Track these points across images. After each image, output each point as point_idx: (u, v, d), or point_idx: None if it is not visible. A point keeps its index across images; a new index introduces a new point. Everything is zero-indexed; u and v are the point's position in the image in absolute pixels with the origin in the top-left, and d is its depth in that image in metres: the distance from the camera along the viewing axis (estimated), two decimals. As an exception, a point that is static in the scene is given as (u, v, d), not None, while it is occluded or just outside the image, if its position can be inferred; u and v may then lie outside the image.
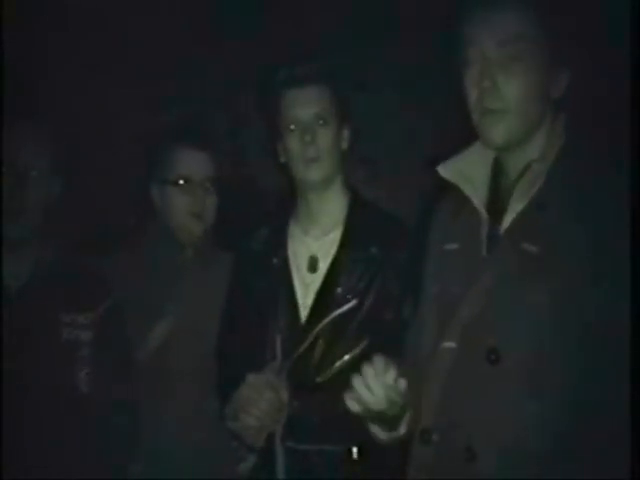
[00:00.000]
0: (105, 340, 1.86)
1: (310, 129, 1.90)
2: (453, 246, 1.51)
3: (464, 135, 1.52)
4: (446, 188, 1.56)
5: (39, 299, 1.81)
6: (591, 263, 1.29)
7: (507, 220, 1.42)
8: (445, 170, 1.51)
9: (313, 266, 1.94)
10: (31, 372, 1.75)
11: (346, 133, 1.98)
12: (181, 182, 2.09)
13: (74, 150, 2.10)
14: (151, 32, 2.88)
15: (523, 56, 1.39)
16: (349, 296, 1.88)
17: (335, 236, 1.94)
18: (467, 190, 1.49)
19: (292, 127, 1.91)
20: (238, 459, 1.95)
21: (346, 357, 1.86)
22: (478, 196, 1.48)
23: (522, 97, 1.40)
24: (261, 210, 2.50)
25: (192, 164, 2.10)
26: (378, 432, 1.48)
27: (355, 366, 1.62)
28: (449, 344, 1.41)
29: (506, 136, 1.42)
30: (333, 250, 1.91)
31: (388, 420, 1.43)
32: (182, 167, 2.10)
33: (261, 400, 1.81)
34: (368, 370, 1.33)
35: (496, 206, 1.46)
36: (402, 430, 1.46)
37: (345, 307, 1.88)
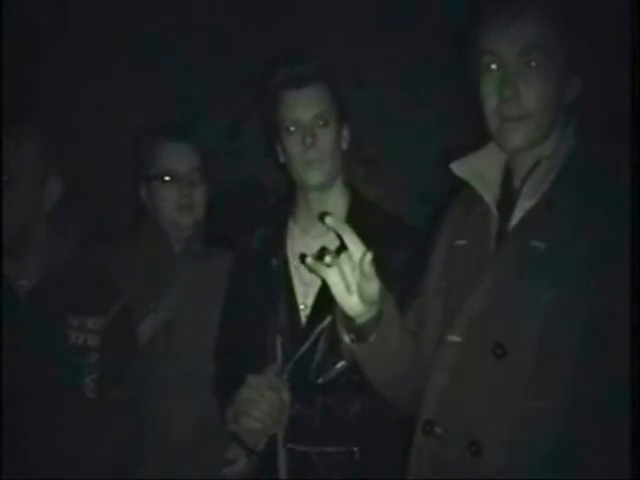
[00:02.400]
0: (113, 345, 1.82)
1: (310, 131, 1.88)
2: (462, 242, 1.54)
3: (465, 134, 1.53)
4: (452, 188, 1.60)
5: (46, 302, 1.79)
6: (596, 261, 1.30)
7: (516, 217, 1.45)
8: (458, 168, 1.54)
9: (312, 266, 1.93)
10: (36, 376, 1.72)
11: (346, 133, 1.97)
12: (166, 178, 2.09)
13: (74, 150, 2.10)
14: (151, 32, 2.88)
15: (541, 64, 1.42)
16: (350, 296, 1.88)
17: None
18: (480, 188, 1.52)
19: (292, 129, 1.90)
20: (227, 461, 1.95)
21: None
22: (490, 194, 1.51)
23: (541, 104, 1.43)
24: (260, 210, 2.50)
25: (175, 158, 2.10)
26: (347, 339, 1.50)
27: (356, 367, 1.62)
28: (454, 338, 1.43)
29: (524, 141, 1.46)
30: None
31: (358, 328, 1.46)
32: (166, 162, 2.09)
33: (262, 402, 1.80)
34: (344, 256, 1.35)
35: (506, 204, 1.49)
36: (371, 340, 1.47)
37: None
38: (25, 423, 1.71)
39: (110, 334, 1.82)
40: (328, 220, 1.38)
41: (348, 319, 1.44)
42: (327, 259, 1.37)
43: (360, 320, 1.43)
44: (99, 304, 1.84)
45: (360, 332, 1.47)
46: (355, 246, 1.35)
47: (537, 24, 1.43)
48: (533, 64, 1.42)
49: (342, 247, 1.38)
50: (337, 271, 1.37)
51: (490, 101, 1.46)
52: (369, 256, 1.33)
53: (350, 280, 1.36)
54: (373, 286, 1.37)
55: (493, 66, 1.45)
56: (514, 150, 1.48)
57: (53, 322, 1.78)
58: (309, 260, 1.39)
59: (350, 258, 1.35)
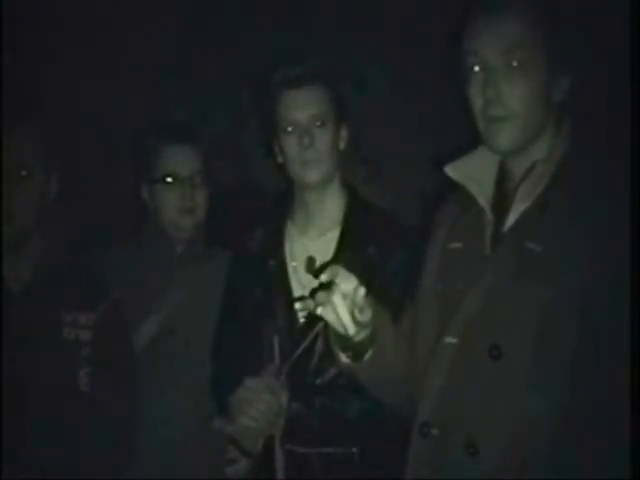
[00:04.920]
0: (105, 340, 1.84)
1: (308, 131, 1.88)
2: (457, 245, 1.54)
3: (465, 135, 1.53)
4: (450, 188, 1.59)
5: (41, 299, 1.80)
6: (592, 262, 1.30)
7: (511, 219, 1.44)
8: (452, 170, 1.53)
9: (311, 267, 1.93)
10: (31, 372, 1.73)
11: (344, 133, 1.96)
12: (168, 180, 2.09)
13: (73, 149, 2.10)
14: (151, 32, 2.89)
15: (525, 63, 1.41)
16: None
17: (333, 236, 1.92)
18: (474, 190, 1.51)
19: (290, 129, 1.90)
20: (228, 461, 1.95)
21: (345, 359, 1.85)
22: (484, 196, 1.51)
23: (525, 103, 1.42)
24: (258, 210, 2.50)
25: (178, 160, 2.10)
26: (343, 358, 1.52)
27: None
28: (450, 339, 1.43)
29: (511, 142, 1.44)
30: (331, 251, 1.90)
31: (353, 347, 1.47)
32: (168, 164, 2.09)
33: (259, 402, 1.80)
34: (336, 293, 1.33)
35: (501, 206, 1.48)
36: (367, 357, 1.49)
37: None
38: (25, 419, 1.72)
39: (102, 328, 1.84)
40: (323, 277, 1.35)
41: (343, 338, 1.44)
42: (319, 298, 1.35)
43: (355, 339, 1.43)
44: (91, 300, 1.86)
45: (356, 350, 1.48)
46: (347, 283, 1.33)
47: (519, 23, 1.41)
48: (514, 64, 1.41)
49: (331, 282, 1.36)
50: (330, 308, 1.35)
51: (476, 103, 1.45)
52: (362, 291, 1.33)
53: (344, 318, 1.34)
54: (367, 314, 1.38)
55: (476, 68, 1.44)
56: (502, 152, 1.47)
57: (48, 319, 1.79)
58: (298, 305, 1.41)
59: (342, 294, 1.33)
